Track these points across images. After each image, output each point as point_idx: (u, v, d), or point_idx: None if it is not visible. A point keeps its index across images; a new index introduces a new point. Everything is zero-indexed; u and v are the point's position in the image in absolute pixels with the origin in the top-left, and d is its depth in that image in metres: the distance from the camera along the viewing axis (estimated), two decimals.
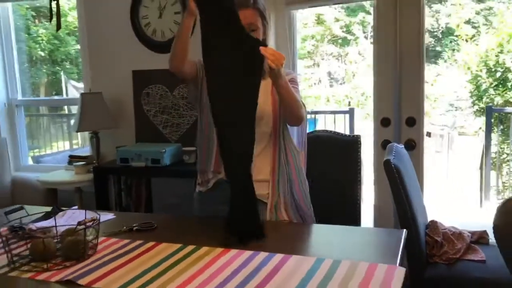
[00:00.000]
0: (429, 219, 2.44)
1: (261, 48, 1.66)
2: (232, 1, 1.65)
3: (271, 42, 3.11)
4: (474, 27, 8.61)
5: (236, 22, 1.66)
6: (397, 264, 1.39)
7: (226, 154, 1.70)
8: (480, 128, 7.52)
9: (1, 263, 1.49)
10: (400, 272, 1.31)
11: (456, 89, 8.67)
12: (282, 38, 3.18)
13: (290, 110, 1.85)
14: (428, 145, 7.62)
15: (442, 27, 9.52)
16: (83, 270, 1.41)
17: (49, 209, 1.97)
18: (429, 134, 3.00)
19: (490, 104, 6.44)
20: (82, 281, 1.33)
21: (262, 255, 1.50)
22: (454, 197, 5.70)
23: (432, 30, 9.47)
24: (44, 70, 5.59)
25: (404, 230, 1.73)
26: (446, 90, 8.85)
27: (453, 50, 8.98)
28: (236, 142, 1.68)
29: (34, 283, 1.37)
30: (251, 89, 1.66)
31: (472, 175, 6.28)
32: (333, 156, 2.68)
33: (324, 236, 1.78)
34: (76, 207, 2.24)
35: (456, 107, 9.08)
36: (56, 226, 1.69)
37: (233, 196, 1.69)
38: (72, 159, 3.66)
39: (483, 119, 6.48)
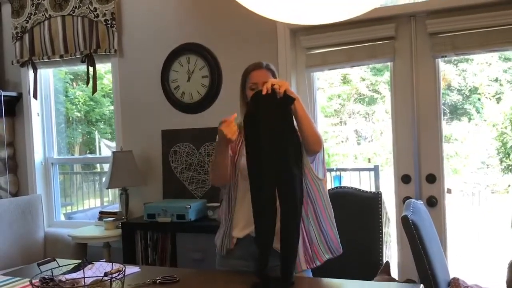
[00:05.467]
0: (459, 277, 2.40)
1: (263, 88, 1.83)
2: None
3: None
4: (501, 85, 8.62)
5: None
6: None
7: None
8: (510, 185, 7.39)
9: None
10: None
11: (487, 147, 8.59)
12: (303, 97, 3.31)
13: (310, 133, 1.92)
14: (459, 203, 7.50)
15: (470, 86, 9.57)
16: None
17: (79, 262, 2.06)
18: (449, 191, 3.00)
19: None
20: None
21: None
22: (487, 256, 5.54)
23: (459, 88, 9.52)
24: (79, 130, 5.84)
25: (421, 285, 1.75)
26: (476, 147, 8.77)
27: (481, 108, 8.97)
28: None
29: None
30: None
31: (504, 234, 6.11)
32: (355, 212, 2.73)
33: None
34: (104, 260, 2.33)
35: (487, 165, 8.95)
36: (84, 278, 1.77)
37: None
38: (102, 215, 3.79)
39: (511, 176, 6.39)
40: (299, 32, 3.27)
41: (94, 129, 6.38)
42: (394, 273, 3.13)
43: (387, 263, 2.45)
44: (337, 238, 2.10)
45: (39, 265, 1.88)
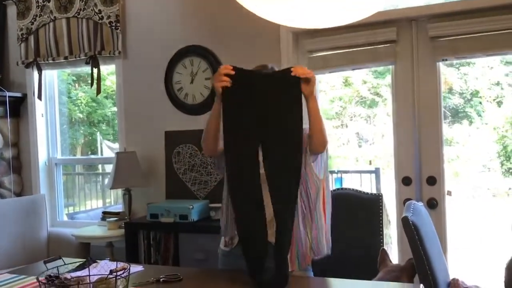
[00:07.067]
0: (459, 278, 2.42)
1: (293, 69, 1.83)
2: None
3: None
4: (502, 89, 8.64)
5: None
6: None
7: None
8: (510, 188, 7.41)
9: None
10: None
11: (488, 150, 8.61)
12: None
13: (319, 128, 1.93)
14: (460, 205, 7.51)
15: (471, 89, 9.58)
16: None
17: (84, 260, 2.09)
18: (450, 193, 3.03)
19: None
20: None
21: None
22: (487, 258, 5.56)
23: (461, 91, 9.53)
24: (82, 131, 5.87)
25: (421, 285, 1.78)
26: (478, 150, 8.78)
27: (482, 111, 8.99)
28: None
29: None
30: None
31: (505, 236, 6.13)
32: (356, 213, 2.75)
33: None
34: (108, 258, 2.36)
35: (489, 168, 8.96)
36: (89, 276, 1.80)
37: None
38: (105, 215, 3.82)
39: None
40: (301, 35, 3.30)
41: (96, 130, 6.41)
42: None
43: (383, 251, 2.47)
44: (324, 241, 2.04)
45: (45, 262, 1.90)
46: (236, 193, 1.88)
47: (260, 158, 1.90)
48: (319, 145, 1.97)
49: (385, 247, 2.62)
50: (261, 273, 1.79)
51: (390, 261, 2.43)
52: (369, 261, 2.52)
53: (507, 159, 6.77)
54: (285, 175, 1.83)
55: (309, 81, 1.84)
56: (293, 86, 1.83)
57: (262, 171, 1.93)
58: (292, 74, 1.82)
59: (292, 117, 1.83)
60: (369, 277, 2.31)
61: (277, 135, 1.84)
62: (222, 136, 1.92)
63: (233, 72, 1.84)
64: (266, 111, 1.84)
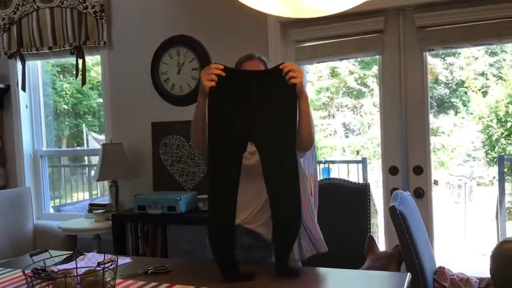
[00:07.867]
0: (445, 266, 2.44)
1: (283, 65, 1.81)
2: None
3: None
4: (487, 79, 8.73)
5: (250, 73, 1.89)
6: None
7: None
8: (494, 177, 7.52)
9: None
10: None
11: (472, 139, 8.72)
12: None
13: (308, 126, 1.90)
14: (445, 194, 7.61)
15: (457, 79, 9.66)
16: None
17: (71, 253, 2.07)
18: (436, 182, 3.08)
19: (502, 153, 6.47)
20: None
21: None
22: (472, 246, 5.64)
23: (446, 82, 9.60)
24: (67, 123, 5.82)
25: (408, 273, 1.79)
26: (462, 140, 8.89)
27: (467, 101, 9.10)
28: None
29: None
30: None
31: (489, 225, 6.23)
32: (343, 203, 2.77)
33: (327, 280, 1.84)
34: (95, 251, 2.34)
35: (473, 157, 9.08)
36: (76, 268, 1.78)
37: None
38: (92, 207, 3.80)
39: (496, 168, 6.51)
40: (289, 25, 3.29)
41: (82, 121, 6.36)
42: None
43: (370, 237, 2.48)
44: (321, 238, 2.06)
45: (31, 255, 1.88)
46: (215, 192, 1.90)
47: (250, 149, 1.90)
48: (306, 143, 1.95)
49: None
50: (232, 265, 1.80)
51: (377, 248, 2.45)
52: (356, 251, 2.54)
53: (492, 148, 6.87)
54: (283, 174, 1.82)
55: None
56: (287, 85, 1.81)
57: (250, 162, 1.93)
58: (283, 69, 1.80)
59: (286, 117, 1.83)
60: (357, 266, 2.33)
61: (270, 134, 1.82)
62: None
63: (223, 74, 1.80)
64: (254, 110, 1.81)
